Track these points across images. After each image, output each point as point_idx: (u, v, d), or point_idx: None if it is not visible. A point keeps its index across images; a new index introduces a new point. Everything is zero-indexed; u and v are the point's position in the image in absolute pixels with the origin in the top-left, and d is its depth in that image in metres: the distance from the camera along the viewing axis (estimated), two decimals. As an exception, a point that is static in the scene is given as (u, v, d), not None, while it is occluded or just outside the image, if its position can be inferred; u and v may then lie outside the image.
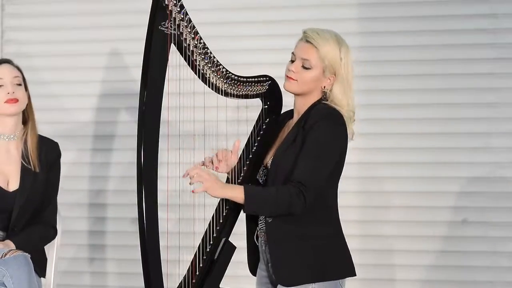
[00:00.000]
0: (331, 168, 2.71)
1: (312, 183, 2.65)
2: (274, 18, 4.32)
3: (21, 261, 2.89)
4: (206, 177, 2.69)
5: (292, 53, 2.81)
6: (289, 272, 2.72)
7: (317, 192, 2.67)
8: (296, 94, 2.83)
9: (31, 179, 3.18)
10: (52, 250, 3.37)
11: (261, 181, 2.88)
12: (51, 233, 3.28)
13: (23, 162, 3.19)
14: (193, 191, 2.72)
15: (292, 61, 2.80)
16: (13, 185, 3.17)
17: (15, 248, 3.03)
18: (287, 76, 2.80)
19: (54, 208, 3.30)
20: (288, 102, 3.01)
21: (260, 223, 2.84)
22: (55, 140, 3.32)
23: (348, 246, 2.82)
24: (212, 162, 2.91)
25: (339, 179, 2.81)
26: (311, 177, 2.66)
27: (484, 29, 4.17)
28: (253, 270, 2.96)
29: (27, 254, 2.94)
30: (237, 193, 2.70)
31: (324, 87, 2.78)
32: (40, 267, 3.21)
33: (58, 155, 3.32)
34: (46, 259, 3.30)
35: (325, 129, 2.69)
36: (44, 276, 3.27)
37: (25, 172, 3.18)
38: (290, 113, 2.93)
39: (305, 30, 2.79)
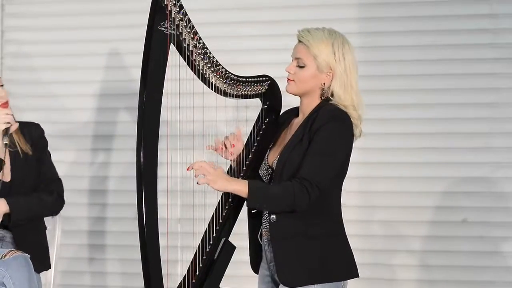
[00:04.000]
0: (337, 167, 2.71)
1: (317, 180, 2.64)
2: (274, 18, 4.32)
3: (21, 262, 2.89)
4: (210, 170, 2.67)
5: (291, 56, 2.82)
6: (292, 272, 2.71)
7: (322, 189, 2.66)
8: (298, 95, 2.83)
9: (22, 162, 3.17)
10: (52, 250, 3.37)
11: (265, 180, 2.88)
12: (53, 199, 3.25)
13: (10, 150, 3.16)
14: (197, 183, 2.70)
15: None
16: (6, 174, 3.15)
17: (7, 209, 3.04)
18: (287, 79, 2.81)
19: (60, 182, 3.30)
20: (288, 102, 3.01)
21: (264, 221, 2.84)
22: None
23: (348, 246, 2.82)
24: (225, 147, 2.93)
25: (343, 179, 2.80)
26: (316, 174, 2.65)
27: (484, 29, 4.17)
28: (255, 268, 2.95)
29: (26, 254, 2.94)
30: (240, 187, 2.68)
31: (324, 84, 2.78)
32: (40, 260, 3.20)
33: (41, 132, 3.30)
34: (47, 252, 3.29)
35: (333, 130, 2.69)
36: (47, 268, 3.26)
37: (15, 159, 3.17)
38: (295, 111, 2.92)
39: (298, 30, 2.81)
